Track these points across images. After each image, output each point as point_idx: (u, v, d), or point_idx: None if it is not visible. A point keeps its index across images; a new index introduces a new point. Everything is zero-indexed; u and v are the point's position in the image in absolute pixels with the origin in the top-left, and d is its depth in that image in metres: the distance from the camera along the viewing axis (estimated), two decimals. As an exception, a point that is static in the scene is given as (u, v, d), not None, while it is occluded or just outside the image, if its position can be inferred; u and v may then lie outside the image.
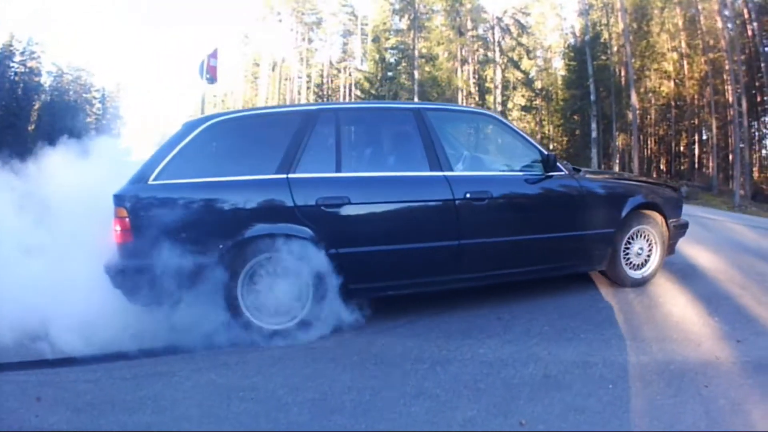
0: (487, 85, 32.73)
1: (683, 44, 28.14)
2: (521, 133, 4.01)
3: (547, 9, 34.39)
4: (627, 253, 4.18)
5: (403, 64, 33.60)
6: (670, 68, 28.28)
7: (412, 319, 3.71)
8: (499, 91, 31.28)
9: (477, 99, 32.55)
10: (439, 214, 3.55)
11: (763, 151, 27.63)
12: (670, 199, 4.41)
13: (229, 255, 3.20)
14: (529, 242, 3.79)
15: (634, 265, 4.23)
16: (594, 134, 26.80)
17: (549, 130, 33.77)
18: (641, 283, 4.27)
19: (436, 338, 3.35)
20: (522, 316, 3.73)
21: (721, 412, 2.49)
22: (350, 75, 39.37)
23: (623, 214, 4.01)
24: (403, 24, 34.00)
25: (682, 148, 30.31)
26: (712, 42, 26.59)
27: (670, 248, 4.38)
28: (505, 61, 31.70)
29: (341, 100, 39.60)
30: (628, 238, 4.15)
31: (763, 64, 24.86)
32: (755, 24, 25.53)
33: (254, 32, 42.32)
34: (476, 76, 33.23)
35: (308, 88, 41.26)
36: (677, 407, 2.52)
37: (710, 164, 27.05)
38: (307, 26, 40.63)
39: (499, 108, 30.80)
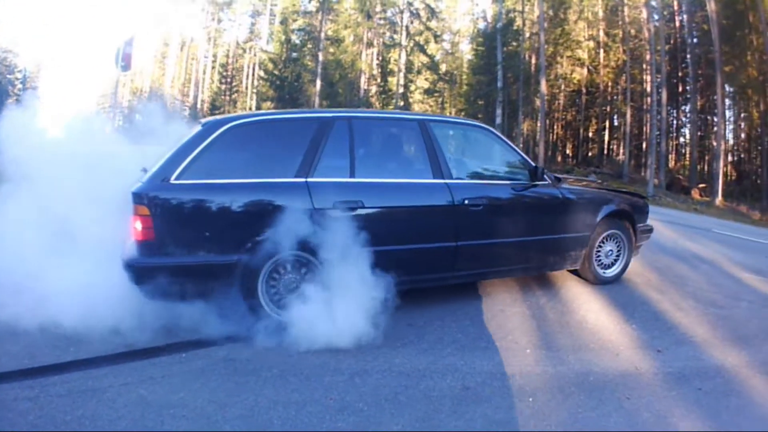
0: (390, 67, 27.44)
1: (601, 33, 24.40)
2: (511, 145, 3.90)
3: (461, -7, 29.30)
4: (598, 254, 4.16)
5: (309, 45, 29.08)
6: (585, 56, 23.97)
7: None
8: (402, 74, 26.26)
9: (379, 81, 27.08)
10: (440, 217, 3.46)
11: (681, 140, 22.77)
12: (638, 207, 4.37)
13: (251, 254, 3.00)
14: (516, 244, 3.73)
15: (604, 264, 4.21)
16: (498, 120, 22.71)
17: (451, 114, 28.12)
18: (610, 282, 4.20)
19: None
20: (433, 322, 3.34)
21: (647, 425, 2.26)
22: (255, 55, 33.45)
23: (597, 219, 4.02)
24: (312, 6, 29.30)
25: (591, 134, 25.41)
26: (634, 32, 23.19)
27: (636, 250, 4.41)
28: (411, 45, 26.14)
29: (244, 80, 33.76)
30: (601, 241, 4.13)
31: (688, 56, 22.14)
32: (684, 16, 23.17)
33: (167, 12, 36.39)
34: (380, 58, 27.72)
35: (213, 68, 35.59)
36: (601, 420, 2.28)
37: (621, 151, 23.58)
38: (218, 6, 35.37)
39: (401, 90, 25.09)
